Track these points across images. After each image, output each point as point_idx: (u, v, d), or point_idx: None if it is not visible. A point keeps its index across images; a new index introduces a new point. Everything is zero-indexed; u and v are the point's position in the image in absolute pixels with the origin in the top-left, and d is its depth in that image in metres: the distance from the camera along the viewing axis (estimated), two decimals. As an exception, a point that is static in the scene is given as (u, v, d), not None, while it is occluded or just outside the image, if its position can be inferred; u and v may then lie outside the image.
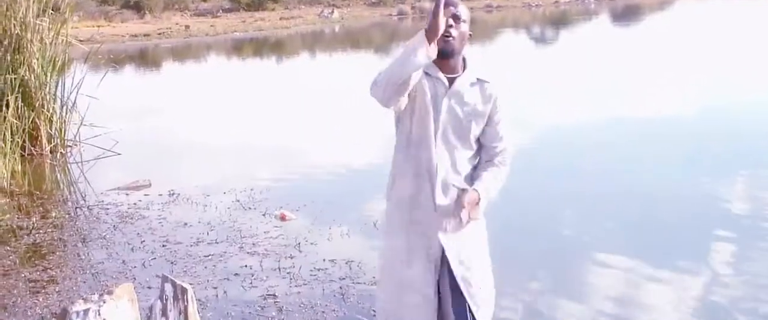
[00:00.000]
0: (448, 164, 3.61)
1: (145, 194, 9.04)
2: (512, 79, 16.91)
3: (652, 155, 9.78)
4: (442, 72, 3.57)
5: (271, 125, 13.78)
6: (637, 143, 10.55)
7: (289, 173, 10.04)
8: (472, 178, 3.66)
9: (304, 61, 28.44)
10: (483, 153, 3.74)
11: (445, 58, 3.51)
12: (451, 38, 3.48)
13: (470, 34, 3.59)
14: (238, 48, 34.75)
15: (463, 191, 3.58)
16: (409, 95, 3.48)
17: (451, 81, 3.58)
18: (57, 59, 11.73)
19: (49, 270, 6.49)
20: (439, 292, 3.67)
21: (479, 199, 3.58)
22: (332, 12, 49.65)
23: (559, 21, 42.19)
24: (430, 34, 3.25)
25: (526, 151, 9.97)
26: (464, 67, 3.62)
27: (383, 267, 3.89)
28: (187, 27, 43.07)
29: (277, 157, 11.07)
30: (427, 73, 3.54)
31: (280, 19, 48.05)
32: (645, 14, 43.04)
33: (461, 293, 3.62)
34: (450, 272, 3.63)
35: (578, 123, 12.20)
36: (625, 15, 42.89)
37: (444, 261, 3.65)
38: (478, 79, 3.63)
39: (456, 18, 3.48)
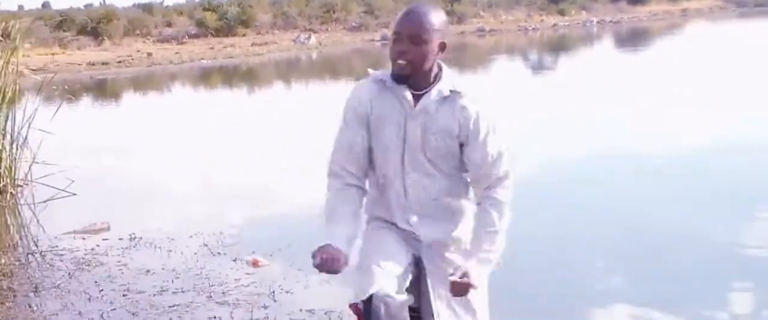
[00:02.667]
0: (423, 196, 3.50)
1: (104, 239, 9.03)
2: (508, 110, 17.07)
3: (662, 193, 9.82)
4: (411, 88, 3.47)
5: (242, 163, 13.79)
6: (646, 180, 10.59)
7: (261, 214, 10.04)
8: (458, 220, 3.57)
9: (278, 92, 28.50)
10: (475, 184, 3.58)
11: (401, 82, 3.45)
12: (402, 63, 3.41)
13: (443, 45, 3.46)
14: (205, 77, 34.80)
15: (455, 273, 3.37)
16: (368, 127, 3.51)
17: (419, 98, 3.46)
18: (7, 90, 11.74)
19: (-3, 323, 6.48)
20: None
21: (471, 277, 3.35)
22: (309, 37, 49.80)
23: (559, 46, 42.48)
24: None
25: (524, 187, 10.02)
26: (438, 79, 3.50)
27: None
28: (149, 54, 43.15)
29: (249, 197, 11.07)
30: (389, 89, 3.48)
31: (252, 45, 48.13)
32: (652, 38, 43.44)
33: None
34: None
35: (582, 158, 12.22)
36: (631, 39, 43.23)
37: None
38: (451, 91, 3.48)
39: (413, 39, 3.39)
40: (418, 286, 3.61)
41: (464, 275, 3.32)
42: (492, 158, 3.45)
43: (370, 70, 3.70)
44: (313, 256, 3.33)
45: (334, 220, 3.50)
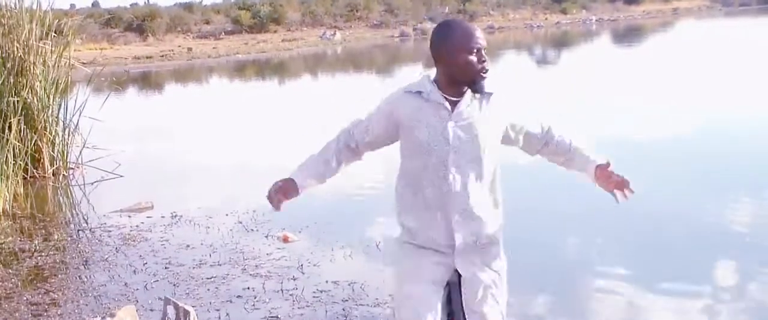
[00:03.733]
0: (465, 196, 3.34)
1: (148, 217, 9.03)
2: (514, 99, 17.01)
3: (655, 175, 9.73)
4: (448, 94, 3.35)
5: (273, 147, 13.69)
6: (640, 162, 10.49)
7: (291, 194, 9.99)
8: (492, 204, 3.46)
9: (306, 83, 28.48)
10: (539, 145, 3.69)
11: (477, 92, 3.38)
12: (486, 74, 3.39)
13: None
14: (240, 70, 34.84)
15: (599, 167, 4.00)
16: (395, 127, 3.46)
17: (455, 104, 3.34)
18: (60, 82, 11.75)
19: (51, 293, 6.47)
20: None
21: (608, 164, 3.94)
22: (334, 34, 49.79)
23: (561, 42, 42.33)
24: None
25: (527, 168, 10.02)
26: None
27: (395, 291, 3.70)
28: (189, 49, 43.23)
29: (280, 178, 11.01)
30: (426, 100, 3.35)
31: (282, 41, 48.15)
32: (646, 35, 43.18)
33: None
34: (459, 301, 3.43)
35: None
36: (627, 36, 43.00)
37: (455, 288, 3.43)
38: (484, 92, 3.40)
39: (485, 50, 3.41)
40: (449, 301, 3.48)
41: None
42: (534, 122, 3.69)
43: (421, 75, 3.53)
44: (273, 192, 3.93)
45: (306, 163, 4.08)
